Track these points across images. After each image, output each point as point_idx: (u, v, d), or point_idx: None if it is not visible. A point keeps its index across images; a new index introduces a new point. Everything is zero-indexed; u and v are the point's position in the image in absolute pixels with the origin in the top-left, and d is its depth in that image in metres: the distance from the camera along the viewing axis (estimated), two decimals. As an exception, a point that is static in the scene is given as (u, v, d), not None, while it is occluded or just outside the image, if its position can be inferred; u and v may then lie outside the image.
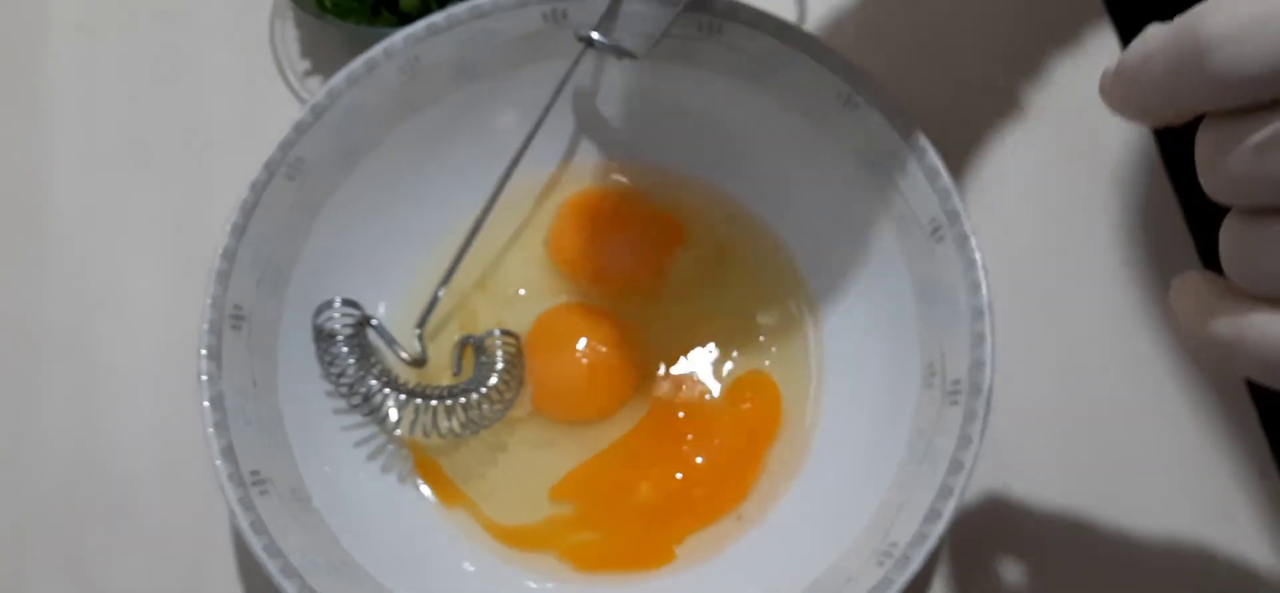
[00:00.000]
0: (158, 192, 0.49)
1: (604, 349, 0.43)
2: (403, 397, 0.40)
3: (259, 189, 0.39)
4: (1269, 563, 0.41)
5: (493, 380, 0.41)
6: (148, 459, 0.44)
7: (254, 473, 0.36)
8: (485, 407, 0.41)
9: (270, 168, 0.40)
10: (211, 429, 0.36)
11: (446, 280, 0.42)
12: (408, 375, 0.42)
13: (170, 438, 0.44)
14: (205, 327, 0.38)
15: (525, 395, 0.43)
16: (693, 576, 0.40)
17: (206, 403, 0.37)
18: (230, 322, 0.38)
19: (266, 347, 0.39)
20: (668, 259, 0.45)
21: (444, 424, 0.41)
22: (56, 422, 0.45)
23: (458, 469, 0.42)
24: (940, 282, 0.38)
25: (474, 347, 0.42)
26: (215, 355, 0.37)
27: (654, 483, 0.42)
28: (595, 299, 0.45)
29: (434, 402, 0.40)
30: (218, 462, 0.36)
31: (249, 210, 0.39)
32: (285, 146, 0.40)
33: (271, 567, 0.34)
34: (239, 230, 0.39)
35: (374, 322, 0.41)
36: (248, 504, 0.35)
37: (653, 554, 0.41)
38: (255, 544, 0.35)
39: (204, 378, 0.37)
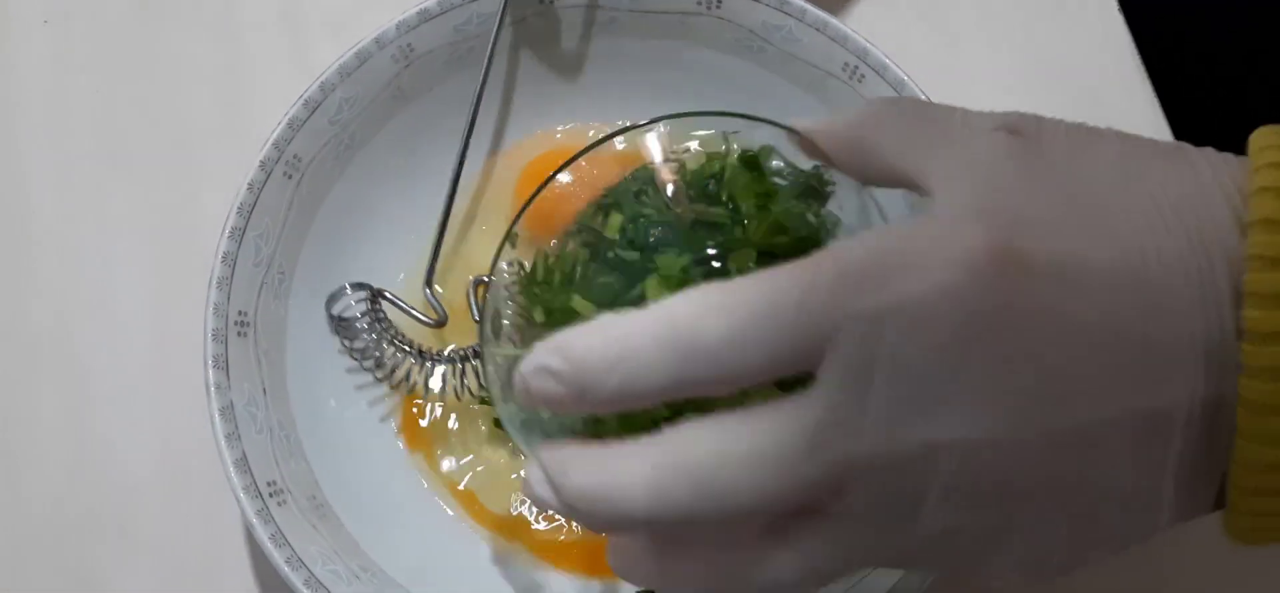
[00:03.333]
0: (140, 191, 0.47)
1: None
2: (439, 363, 0.39)
3: (257, 189, 0.38)
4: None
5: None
6: (151, 467, 0.43)
7: (270, 484, 0.35)
8: None
9: (266, 166, 0.39)
10: (223, 441, 0.35)
11: (443, 227, 0.41)
12: (432, 341, 0.41)
13: (173, 444, 0.43)
14: (210, 335, 0.37)
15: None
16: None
17: (217, 414, 0.36)
18: (235, 328, 0.37)
19: (274, 352, 0.38)
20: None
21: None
22: (51, 434, 0.43)
23: (459, 464, 0.41)
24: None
25: (487, 284, 0.41)
26: (222, 364, 0.36)
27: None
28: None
29: (474, 360, 0.39)
30: (232, 474, 0.35)
31: (247, 212, 0.38)
32: (280, 143, 0.39)
33: (296, 580, 0.34)
34: (238, 233, 0.38)
35: (387, 294, 0.40)
36: (266, 517, 0.35)
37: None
38: (277, 558, 0.34)
39: (213, 389, 0.36)
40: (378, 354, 0.39)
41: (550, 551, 0.40)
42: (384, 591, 0.36)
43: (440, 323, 0.41)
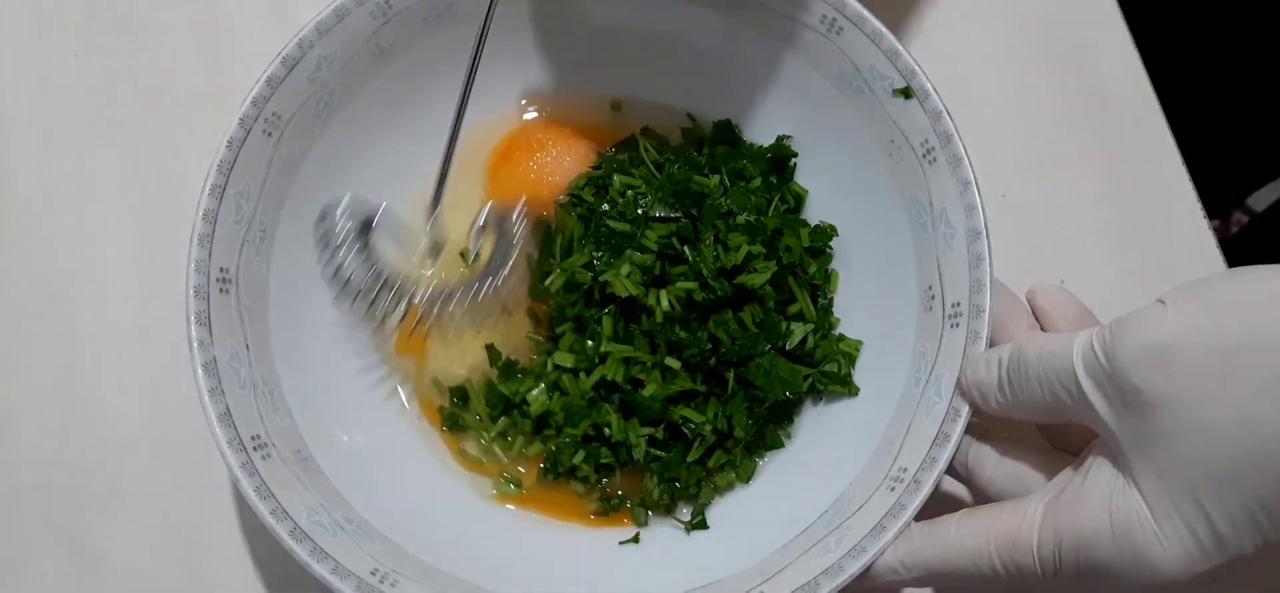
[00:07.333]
0: (122, 153, 0.47)
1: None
2: (423, 294, 0.39)
3: (236, 147, 0.38)
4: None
5: (513, 257, 0.40)
6: (137, 427, 0.43)
7: (254, 438, 0.36)
8: (508, 284, 0.40)
9: (246, 124, 0.39)
10: (207, 396, 0.36)
11: (448, 156, 0.41)
12: (419, 276, 0.41)
13: (159, 404, 0.43)
14: (192, 292, 0.37)
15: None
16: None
17: (200, 370, 0.36)
18: (217, 285, 0.37)
19: (257, 309, 0.38)
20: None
21: (468, 309, 0.40)
22: (40, 394, 0.44)
23: (459, 421, 0.42)
24: (934, 204, 0.38)
25: (493, 221, 0.41)
26: (205, 321, 0.37)
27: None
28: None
29: (459, 292, 0.39)
30: (216, 428, 0.35)
31: (227, 169, 0.38)
32: (259, 101, 0.39)
33: (280, 531, 0.34)
34: (218, 191, 0.38)
35: (382, 207, 0.39)
36: (251, 469, 0.35)
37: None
38: (262, 509, 0.34)
39: (196, 345, 0.36)
40: (359, 279, 0.38)
41: (529, 498, 0.41)
42: (368, 541, 0.36)
43: (436, 251, 0.40)
